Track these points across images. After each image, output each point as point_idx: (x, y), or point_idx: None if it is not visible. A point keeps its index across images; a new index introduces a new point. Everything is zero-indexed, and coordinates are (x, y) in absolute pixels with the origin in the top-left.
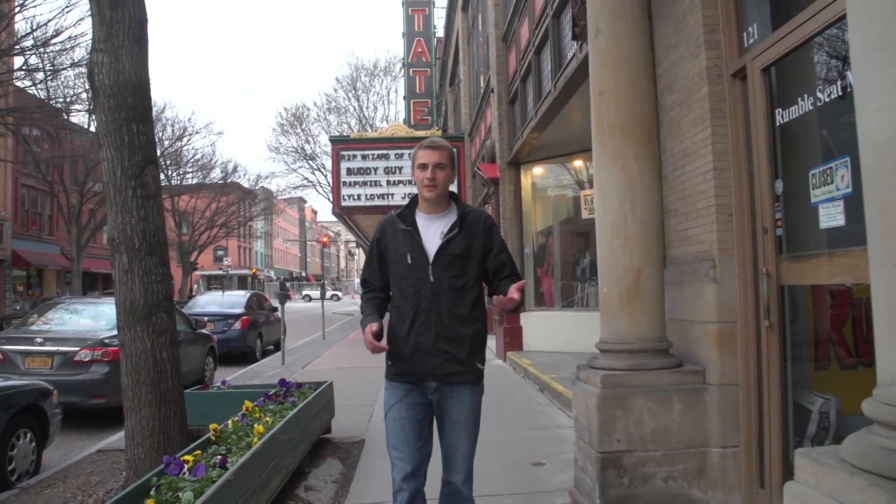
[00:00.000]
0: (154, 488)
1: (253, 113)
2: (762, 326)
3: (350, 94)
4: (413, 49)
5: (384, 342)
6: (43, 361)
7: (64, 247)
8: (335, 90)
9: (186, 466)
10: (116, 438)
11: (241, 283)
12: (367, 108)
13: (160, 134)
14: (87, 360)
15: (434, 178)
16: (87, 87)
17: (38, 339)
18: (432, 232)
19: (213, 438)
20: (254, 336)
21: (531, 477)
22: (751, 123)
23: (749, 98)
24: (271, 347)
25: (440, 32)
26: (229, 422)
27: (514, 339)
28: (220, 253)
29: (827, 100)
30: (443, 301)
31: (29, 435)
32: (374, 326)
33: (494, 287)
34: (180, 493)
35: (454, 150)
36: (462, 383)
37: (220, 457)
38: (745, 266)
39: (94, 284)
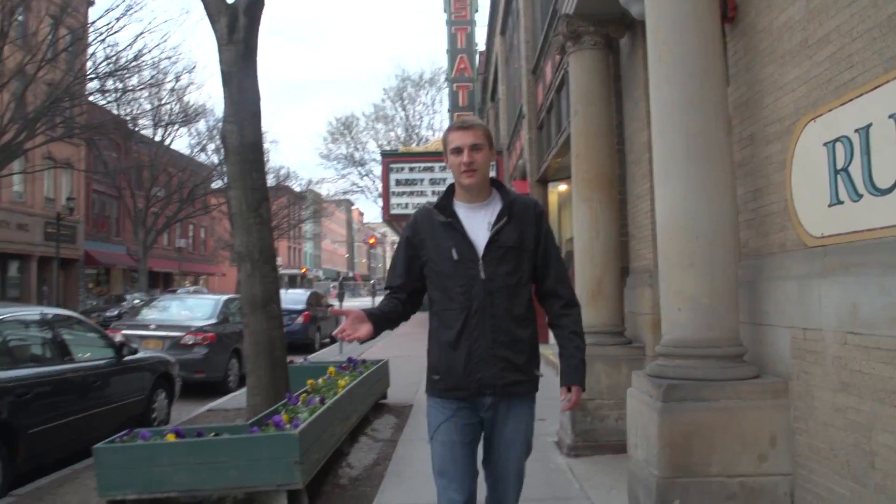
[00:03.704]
0: (283, 411)
1: (301, 116)
2: None
3: (397, 105)
4: (456, 65)
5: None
6: (156, 343)
7: (130, 247)
8: (383, 100)
9: (301, 400)
10: (220, 402)
11: (291, 281)
12: (413, 117)
13: (218, 143)
14: (190, 343)
15: (472, 162)
16: (153, 102)
17: (152, 326)
18: (478, 223)
19: (310, 390)
20: (314, 329)
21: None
22: None
23: None
24: (327, 340)
25: (482, 47)
26: (319, 380)
27: (542, 334)
28: None
29: None
30: (497, 300)
31: (164, 393)
32: (358, 311)
33: (545, 308)
34: (299, 414)
35: (488, 128)
36: (521, 395)
37: (319, 397)
38: None
39: (157, 282)
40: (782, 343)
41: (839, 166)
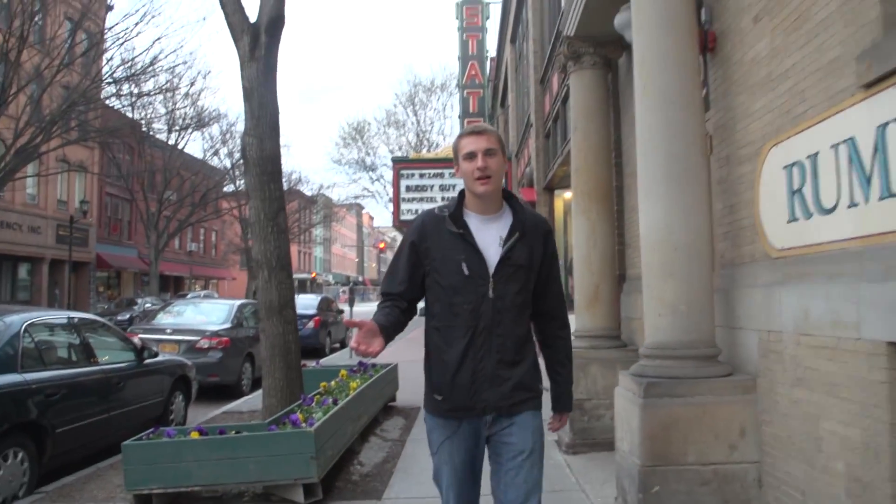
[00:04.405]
0: (299, 411)
1: (313, 119)
2: None
3: (408, 110)
4: (467, 72)
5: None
6: (172, 347)
7: (141, 251)
8: (394, 105)
9: (315, 401)
10: (234, 405)
11: (301, 286)
12: (424, 122)
13: (231, 147)
14: (205, 347)
15: (486, 167)
16: (167, 106)
17: (168, 330)
18: (490, 237)
19: (323, 392)
20: (324, 334)
21: None
22: None
23: None
24: (337, 345)
25: (493, 53)
26: (332, 382)
27: None
28: None
29: None
30: (505, 321)
31: (181, 395)
32: (372, 323)
33: (539, 327)
34: (313, 414)
35: (501, 136)
36: (525, 410)
37: (332, 399)
38: None
39: (167, 286)
40: (751, 344)
41: (795, 188)
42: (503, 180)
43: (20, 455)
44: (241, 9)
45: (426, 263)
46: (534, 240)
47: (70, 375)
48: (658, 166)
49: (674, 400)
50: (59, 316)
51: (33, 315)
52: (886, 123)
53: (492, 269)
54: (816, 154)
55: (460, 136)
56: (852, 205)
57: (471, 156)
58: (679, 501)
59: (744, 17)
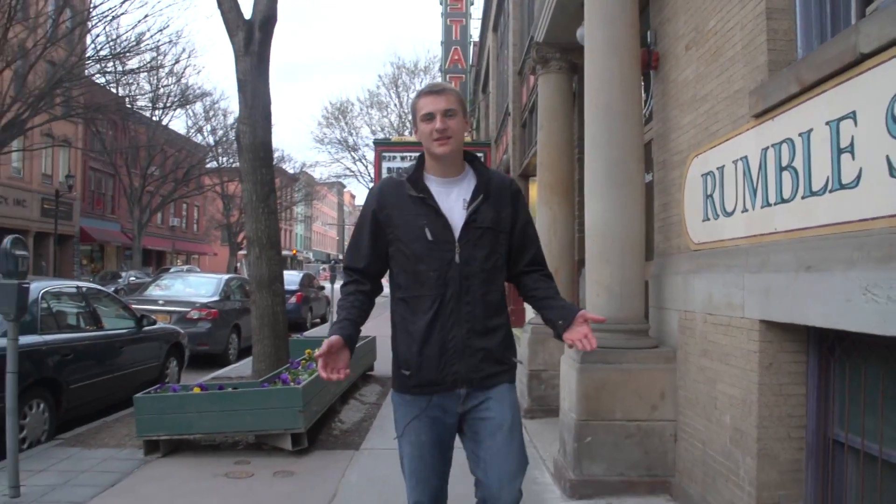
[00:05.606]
0: (287, 372)
1: (296, 96)
2: None
3: (391, 92)
4: (450, 56)
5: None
6: (163, 318)
7: (124, 225)
8: (377, 87)
9: (301, 365)
10: (223, 371)
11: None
12: (407, 104)
13: (214, 124)
14: (196, 318)
15: (446, 129)
16: (152, 83)
17: (161, 301)
18: (452, 200)
19: (308, 358)
20: (306, 309)
21: None
22: None
23: None
24: (318, 320)
25: (477, 37)
26: (316, 350)
27: (518, 318)
28: None
29: None
30: (473, 287)
31: (175, 361)
32: (333, 339)
33: (521, 283)
34: (300, 376)
35: (462, 94)
36: (500, 383)
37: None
38: None
39: (149, 261)
40: (673, 322)
41: (708, 193)
42: (463, 140)
43: (42, 406)
44: (237, 6)
45: (388, 232)
46: (501, 201)
47: (81, 338)
48: (600, 169)
49: (606, 366)
50: (70, 285)
51: (48, 284)
52: (767, 148)
53: (457, 234)
54: (723, 167)
55: (419, 96)
56: (744, 210)
57: (429, 117)
58: (607, 450)
59: (679, 44)
